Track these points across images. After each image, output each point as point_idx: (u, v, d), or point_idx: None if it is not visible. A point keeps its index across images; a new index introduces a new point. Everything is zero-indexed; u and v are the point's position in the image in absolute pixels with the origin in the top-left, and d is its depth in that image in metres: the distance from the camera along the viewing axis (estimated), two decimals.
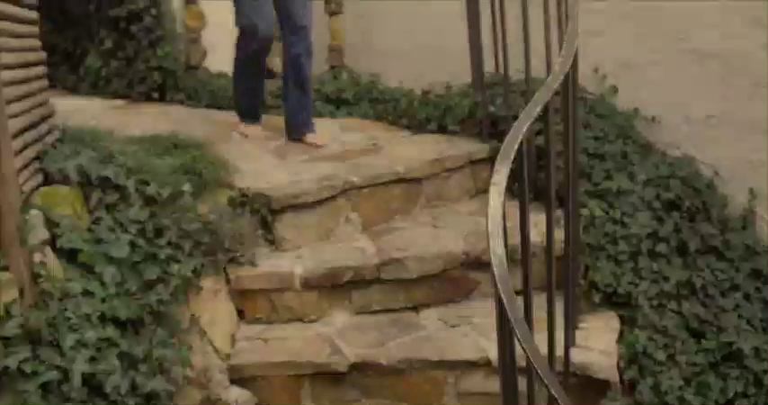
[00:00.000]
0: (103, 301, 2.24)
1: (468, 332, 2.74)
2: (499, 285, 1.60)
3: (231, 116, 4.18)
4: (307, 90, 3.75)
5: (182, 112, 4.29)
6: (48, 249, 2.19)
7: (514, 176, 1.93)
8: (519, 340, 1.54)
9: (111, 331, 2.19)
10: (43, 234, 2.19)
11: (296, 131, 3.76)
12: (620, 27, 3.68)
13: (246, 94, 3.89)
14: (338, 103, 4.25)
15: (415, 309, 2.93)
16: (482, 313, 2.78)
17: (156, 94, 4.55)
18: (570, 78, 2.38)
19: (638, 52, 3.65)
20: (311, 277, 2.87)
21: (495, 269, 1.63)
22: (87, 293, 2.21)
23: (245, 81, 3.84)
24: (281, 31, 3.74)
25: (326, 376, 2.65)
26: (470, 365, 2.60)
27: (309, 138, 3.72)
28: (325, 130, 3.83)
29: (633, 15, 3.63)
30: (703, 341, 2.84)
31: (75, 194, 2.39)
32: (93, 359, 2.10)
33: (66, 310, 2.12)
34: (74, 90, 4.70)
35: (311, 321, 2.88)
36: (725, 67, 3.41)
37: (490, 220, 1.71)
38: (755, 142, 3.34)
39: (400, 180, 3.25)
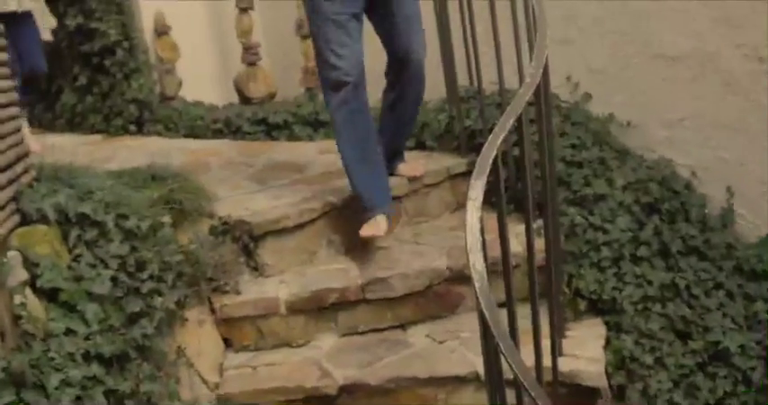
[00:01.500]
0: (87, 338, 2.22)
1: (455, 347, 2.74)
2: (481, 300, 1.61)
3: (209, 144, 4.19)
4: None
5: (159, 144, 4.30)
6: (28, 290, 2.18)
7: (493, 190, 1.94)
8: (503, 355, 1.54)
9: (95, 369, 2.17)
10: (22, 275, 2.18)
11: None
12: (590, 34, 3.71)
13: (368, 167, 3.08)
14: (315, 126, 4.26)
15: (402, 326, 2.93)
16: (469, 327, 2.78)
17: (133, 127, 4.56)
18: (542, 88, 2.39)
19: (610, 58, 3.68)
20: (296, 301, 2.87)
21: (476, 284, 1.63)
22: (70, 332, 2.20)
23: (359, 147, 3.07)
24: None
25: (317, 400, 2.63)
26: (460, 381, 2.60)
27: (402, 169, 3.41)
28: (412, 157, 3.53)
29: (602, 22, 3.66)
30: (690, 342, 2.85)
31: (53, 233, 2.38)
32: (78, 398, 2.08)
33: (49, 350, 2.11)
34: (50, 128, 4.70)
35: (299, 346, 2.88)
36: (696, 69, 3.44)
37: (469, 236, 1.72)
38: (729, 141, 3.36)
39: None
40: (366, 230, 2.98)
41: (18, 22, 3.98)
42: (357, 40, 3.01)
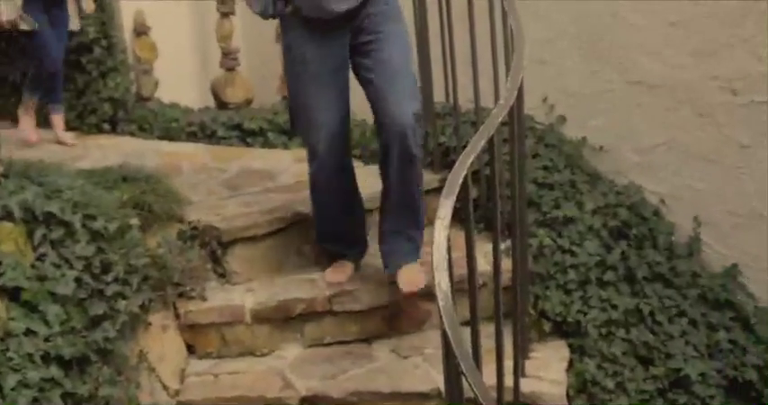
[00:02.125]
0: (47, 339, 2.19)
1: (419, 364, 2.74)
2: (444, 319, 1.61)
3: (183, 147, 4.17)
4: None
5: (133, 144, 4.27)
6: None
7: (462, 209, 1.95)
8: (464, 375, 1.55)
9: (54, 371, 2.14)
10: None
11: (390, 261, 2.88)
12: (568, 57, 3.74)
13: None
14: (291, 134, 4.25)
15: (368, 340, 2.92)
16: (434, 344, 2.78)
17: (107, 126, 4.52)
18: (516, 110, 2.41)
19: (586, 82, 3.71)
20: (262, 310, 2.85)
21: (440, 303, 1.64)
22: (30, 332, 2.17)
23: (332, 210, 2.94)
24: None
25: None
26: (422, 397, 2.60)
27: (400, 276, 2.82)
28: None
29: (580, 46, 3.70)
30: (651, 368, 2.87)
31: (18, 231, 2.35)
32: (35, 400, 2.05)
33: (7, 350, 2.08)
34: None
35: (263, 355, 2.86)
36: (670, 98, 3.48)
37: (435, 255, 1.73)
38: (700, 171, 3.40)
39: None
40: (330, 276, 2.94)
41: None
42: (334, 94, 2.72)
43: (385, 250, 2.89)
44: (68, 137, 4.29)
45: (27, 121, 4.27)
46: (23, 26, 3.99)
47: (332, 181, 2.85)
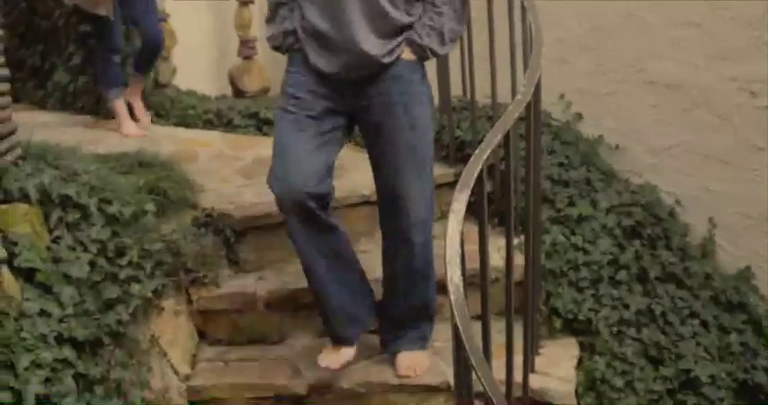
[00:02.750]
0: (61, 321, 2.21)
1: (429, 356, 2.74)
2: (455, 313, 1.61)
3: (199, 134, 4.18)
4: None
5: (149, 130, 4.28)
6: (5, 268, 2.17)
7: (476, 204, 1.95)
8: (474, 368, 1.55)
9: (67, 352, 2.16)
10: (0, 253, 2.17)
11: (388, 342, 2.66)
12: (584, 56, 3.74)
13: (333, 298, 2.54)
14: None
15: (377, 331, 2.92)
16: (444, 337, 2.78)
17: None
18: (533, 106, 2.40)
19: (601, 81, 3.70)
20: (274, 299, 2.86)
21: (451, 296, 1.64)
22: (44, 313, 2.18)
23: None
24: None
25: (286, 399, 2.63)
26: (431, 390, 2.60)
27: (399, 359, 2.60)
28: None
29: (597, 45, 3.69)
30: (661, 368, 2.87)
31: (34, 213, 2.37)
32: (47, 380, 2.07)
33: (21, 330, 2.09)
34: (41, 105, 4.66)
35: (273, 343, 2.87)
36: (687, 99, 3.47)
37: (448, 249, 1.73)
38: (715, 172, 3.40)
39: (365, 203, 3.26)
40: (323, 359, 2.59)
41: None
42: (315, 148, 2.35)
43: (385, 336, 2.66)
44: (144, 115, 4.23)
45: (127, 117, 4.14)
46: (101, 11, 3.94)
47: (307, 243, 2.44)
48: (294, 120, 2.36)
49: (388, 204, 2.44)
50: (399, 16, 2.29)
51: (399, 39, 2.32)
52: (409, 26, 2.33)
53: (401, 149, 2.37)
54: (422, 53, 2.35)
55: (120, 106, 4.15)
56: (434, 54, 2.37)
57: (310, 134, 2.35)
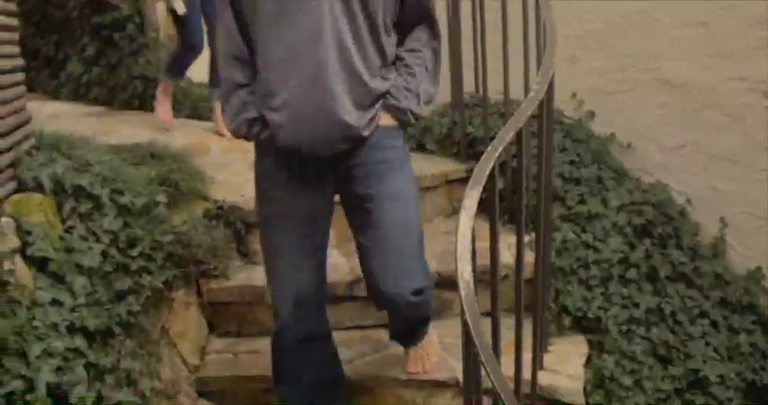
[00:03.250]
0: (73, 310, 2.23)
1: (437, 352, 2.75)
2: (466, 309, 1.61)
3: (211, 126, 4.19)
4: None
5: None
6: (18, 257, 2.18)
7: (488, 201, 1.95)
8: (483, 365, 1.55)
9: (78, 341, 2.18)
10: (14, 242, 2.18)
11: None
12: (597, 55, 3.73)
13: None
14: None
15: (387, 326, 2.93)
16: (453, 333, 2.78)
17: (136, 102, 4.55)
18: (545, 104, 2.40)
19: (613, 80, 3.70)
20: None
21: (462, 292, 1.64)
22: (56, 303, 2.20)
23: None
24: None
25: None
26: (439, 386, 2.61)
27: (409, 355, 2.62)
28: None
29: (608, 43, 3.68)
30: (670, 367, 2.87)
31: (48, 203, 2.38)
32: (59, 369, 2.09)
33: (34, 318, 2.11)
34: (54, 95, 4.69)
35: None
36: (698, 98, 3.46)
37: (459, 245, 1.73)
38: (726, 172, 3.39)
39: None
40: None
41: None
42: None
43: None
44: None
45: (166, 104, 4.14)
46: (176, 7, 3.94)
47: (298, 351, 2.32)
48: (281, 221, 2.21)
49: (374, 281, 2.24)
50: (378, 85, 2.13)
51: (377, 107, 2.15)
52: (385, 94, 2.16)
53: (384, 223, 2.18)
54: (402, 116, 2.17)
55: (166, 90, 4.13)
56: (415, 116, 2.19)
57: (304, 236, 2.22)
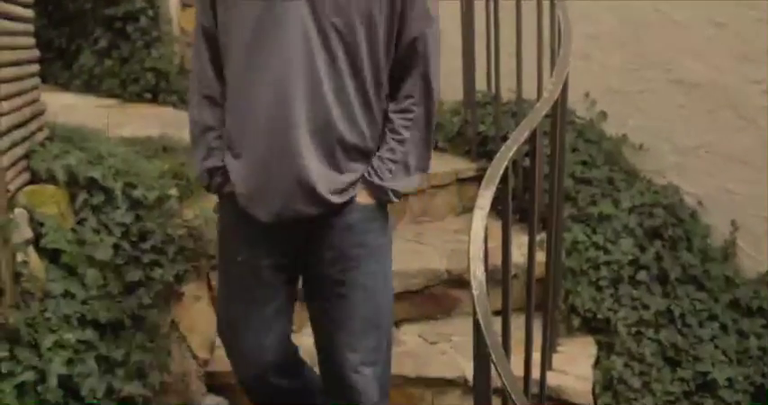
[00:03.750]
0: (84, 303, 2.23)
1: (446, 350, 2.75)
2: (477, 308, 1.61)
3: None
4: None
5: (173, 115, 4.28)
6: (31, 249, 2.19)
7: (500, 201, 1.95)
8: (494, 364, 1.55)
9: (90, 334, 2.18)
10: (27, 233, 2.19)
11: None
12: (611, 55, 3.71)
13: None
14: None
15: (396, 324, 2.93)
16: (462, 331, 2.79)
17: (148, 95, 4.55)
18: (559, 104, 2.40)
19: (628, 79, 3.68)
20: None
21: (474, 292, 1.64)
22: (68, 295, 2.21)
23: None
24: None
25: None
26: (447, 384, 2.61)
27: None
28: None
29: (622, 43, 3.67)
30: (679, 370, 2.86)
31: (61, 194, 2.39)
32: (70, 361, 2.10)
33: (46, 310, 2.12)
34: (66, 87, 4.68)
35: (291, 332, 2.88)
36: (712, 100, 3.45)
37: (472, 244, 1.73)
38: (739, 175, 3.38)
39: None
40: None
41: None
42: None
43: None
44: None
45: None
46: None
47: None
48: (241, 281, 1.97)
49: (328, 377, 2.07)
50: (359, 141, 1.85)
51: (355, 174, 1.86)
52: (368, 155, 1.88)
53: (349, 314, 1.95)
54: (383, 196, 1.88)
55: None
56: (397, 196, 1.91)
57: (266, 300, 1.99)
